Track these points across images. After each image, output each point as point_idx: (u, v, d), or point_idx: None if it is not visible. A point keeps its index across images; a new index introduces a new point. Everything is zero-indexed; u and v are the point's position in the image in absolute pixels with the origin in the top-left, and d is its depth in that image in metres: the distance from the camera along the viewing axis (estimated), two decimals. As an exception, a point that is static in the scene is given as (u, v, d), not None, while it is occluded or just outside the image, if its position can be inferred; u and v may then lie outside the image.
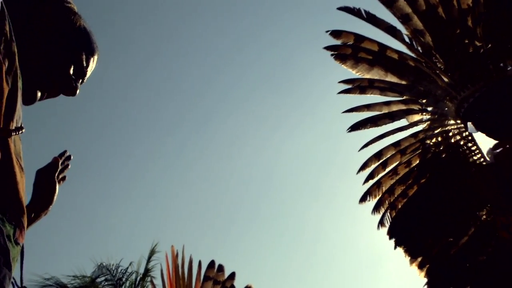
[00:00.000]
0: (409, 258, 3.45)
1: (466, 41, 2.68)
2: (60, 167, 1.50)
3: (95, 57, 1.41)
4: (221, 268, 3.79)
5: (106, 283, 11.80)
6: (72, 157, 1.58)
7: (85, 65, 1.37)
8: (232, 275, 3.79)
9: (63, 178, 1.55)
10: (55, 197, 1.47)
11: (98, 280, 11.73)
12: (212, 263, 3.78)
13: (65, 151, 1.56)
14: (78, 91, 1.38)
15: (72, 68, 1.34)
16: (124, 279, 11.72)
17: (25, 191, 1.15)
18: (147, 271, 11.52)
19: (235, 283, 3.74)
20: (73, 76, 1.34)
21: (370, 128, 3.33)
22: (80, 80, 1.39)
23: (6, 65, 1.06)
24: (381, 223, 3.22)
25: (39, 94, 1.32)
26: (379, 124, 3.27)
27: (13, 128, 1.10)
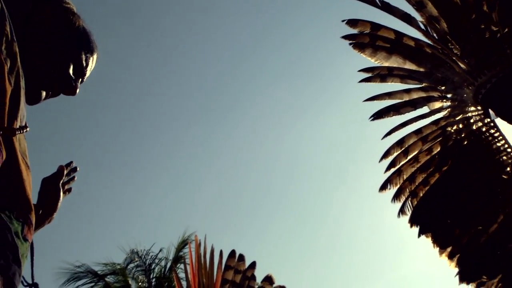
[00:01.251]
0: (438, 248, 3.43)
1: (482, 26, 2.64)
2: (65, 177, 1.50)
3: (95, 56, 1.42)
4: (242, 257, 3.83)
5: (136, 269, 11.84)
6: (78, 169, 1.58)
7: (84, 64, 1.38)
8: (253, 264, 3.83)
9: (69, 190, 1.56)
10: (59, 205, 1.47)
11: (129, 266, 11.78)
12: (232, 253, 3.82)
13: (71, 162, 1.56)
14: (77, 91, 1.38)
15: (71, 68, 1.34)
16: (153, 265, 11.69)
17: (32, 188, 1.16)
18: (178, 258, 11.52)
19: (256, 272, 3.82)
20: (72, 76, 1.35)
21: (393, 116, 3.35)
22: (80, 80, 1.39)
23: (8, 65, 1.07)
24: (401, 211, 3.22)
25: (43, 94, 1.33)
26: (402, 112, 3.27)
27: (17, 127, 1.11)
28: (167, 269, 11.80)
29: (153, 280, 11.70)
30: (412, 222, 3.27)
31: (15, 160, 1.09)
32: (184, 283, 4.05)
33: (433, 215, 3.36)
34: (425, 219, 3.32)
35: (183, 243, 11.67)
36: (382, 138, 3.45)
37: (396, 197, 3.20)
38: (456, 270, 3.43)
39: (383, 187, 3.22)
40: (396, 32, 2.87)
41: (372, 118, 3.39)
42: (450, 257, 3.43)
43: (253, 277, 3.87)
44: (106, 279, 11.68)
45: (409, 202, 3.22)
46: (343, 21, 2.89)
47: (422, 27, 2.77)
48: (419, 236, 3.39)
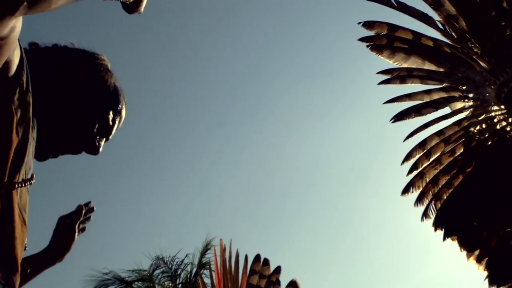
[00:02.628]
0: (465, 251, 3.32)
1: (503, 24, 2.55)
2: (82, 217, 1.45)
3: (122, 116, 1.35)
4: (266, 262, 3.73)
5: (163, 275, 11.73)
6: (95, 209, 1.53)
7: (110, 124, 1.31)
8: (278, 269, 3.74)
9: (83, 229, 1.51)
10: (73, 246, 1.42)
11: (155, 273, 11.66)
12: (257, 257, 3.72)
13: (89, 202, 1.51)
14: (100, 150, 1.31)
15: (96, 127, 1.28)
16: (179, 271, 11.68)
17: (25, 243, 1.10)
18: (202, 264, 11.42)
19: (281, 277, 3.70)
20: (97, 135, 1.28)
21: (414, 118, 3.26)
22: (104, 139, 1.33)
23: (18, 115, 1.01)
24: (425, 214, 3.12)
25: (63, 150, 1.26)
26: (423, 113, 3.19)
27: (19, 180, 1.04)
28: (192, 274, 11.74)
29: (179, 285, 11.70)
30: (437, 225, 3.16)
31: (11, 216, 1.02)
32: None
33: (458, 218, 3.25)
34: (450, 222, 3.21)
35: (207, 248, 11.57)
36: (404, 140, 3.37)
37: (419, 200, 3.11)
38: (485, 273, 3.32)
39: (406, 191, 3.14)
40: (414, 33, 2.80)
41: (393, 120, 3.32)
42: (478, 260, 3.31)
43: (278, 282, 3.75)
44: (133, 285, 11.74)
45: (433, 205, 3.12)
46: (359, 23, 2.84)
47: (440, 26, 2.70)
48: (444, 239, 3.29)
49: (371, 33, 2.88)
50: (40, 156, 1.26)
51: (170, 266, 11.73)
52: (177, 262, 11.76)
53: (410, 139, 3.32)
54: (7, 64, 0.96)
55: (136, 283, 11.82)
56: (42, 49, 1.28)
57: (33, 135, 1.12)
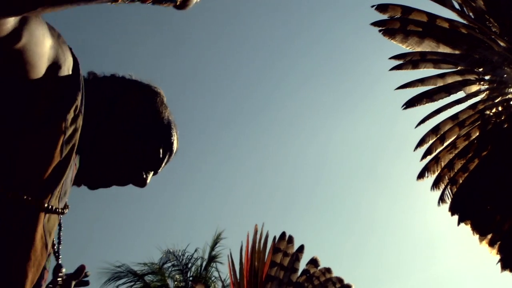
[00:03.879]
0: (478, 235, 3.24)
1: (522, 1, 2.46)
2: (80, 278, 1.37)
3: (173, 151, 1.32)
4: (291, 239, 3.74)
5: (173, 268, 12.10)
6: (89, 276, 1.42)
7: (160, 158, 1.28)
8: (301, 248, 3.73)
9: None
10: None
11: (166, 266, 11.93)
12: (283, 235, 3.73)
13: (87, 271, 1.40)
14: (148, 183, 1.27)
15: (147, 160, 1.25)
16: (190, 265, 12.00)
17: (43, 269, 1.02)
18: (212, 257, 11.71)
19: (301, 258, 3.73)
20: (146, 168, 1.26)
21: (426, 104, 3.17)
22: (152, 173, 1.30)
23: (67, 135, 0.97)
24: (441, 199, 3.04)
25: (107, 181, 1.23)
26: (435, 99, 3.09)
27: (51, 203, 0.99)
28: (203, 268, 11.93)
29: (190, 279, 11.80)
30: (453, 210, 3.08)
31: (31, 236, 0.95)
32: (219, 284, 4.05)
33: (472, 202, 3.18)
34: (465, 206, 3.13)
35: (216, 242, 11.89)
36: (416, 127, 3.27)
37: (435, 184, 3.02)
38: (497, 257, 3.25)
39: (421, 175, 3.05)
40: (429, 14, 2.69)
41: (404, 106, 3.21)
42: (491, 244, 3.23)
43: (297, 258, 3.75)
44: (145, 278, 11.87)
45: (449, 189, 3.04)
46: (372, 6, 2.73)
47: (457, 7, 2.60)
48: (458, 224, 3.20)
49: (384, 17, 2.78)
50: (90, 185, 1.23)
51: (180, 260, 12.06)
52: (187, 256, 12.14)
53: (422, 125, 3.25)
54: (56, 68, 0.92)
55: (147, 276, 12.02)
56: (99, 79, 1.26)
57: (75, 161, 1.07)
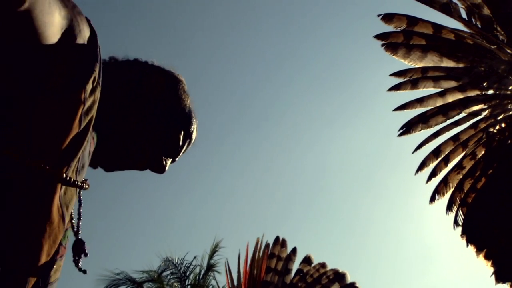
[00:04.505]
0: (475, 249, 3.06)
1: (529, 8, 2.48)
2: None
3: (192, 140, 1.30)
4: (284, 243, 3.70)
5: (171, 276, 12.07)
6: None
7: (180, 145, 1.25)
8: (294, 250, 3.69)
9: None
10: None
11: (164, 274, 11.93)
12: (277, 239, 3.72)
13: None
14: (166, 170, 1.25)
15: (166, 146, 1.22)
16: (188, 273, 11.97)
17: (59, 244, 0.98)
18: (210, 266, 11.69)
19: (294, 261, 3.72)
20: (165, 154, 1.23)
21: (422, 131, 3.06)
22: (171, 159, 1.27)
23: (86, 106, 0.95)
24: (456, 222, 2.84)
25: (124, 163, 1.19)
26: (431, 124, 3.00)
27: (68, 174, 0.95)
28: (201, 276, 11.82)
29: (188, 287, 11.58)
30: (463, 232, 2.89)
31: (48, 207, 0.91)
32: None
33: (477, 221, 3.01)
34: (471, 227, 2.95)
35: (215, 250, 11.81)
36: (413, 152, 3.14)
37: (448, 208, 2.85)
38: (492, 270, 3.07)
39: (432, 199, 2.86)
40: (435, 25, 2.65)
41: (399, 134, 3.10)
42: (487, 257, 3.06)
43: (290, 259, 3.71)
44: (143, 286, 11.58)
45: (460, 212, 2.85)
46: (378, 15, 2.65)
47: (464, 16, 2.57)
48: (467, 245, 3.00)
49: (389, 27, 2.70)
50: (107, 167, 1.19)
51: (179, 268, 11.98)
52: (185, 264, 12.12)
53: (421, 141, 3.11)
54: (71, 38, 0.91)
55: (146, 283, 11.70)
56: (121, 61, 1.25)
57: (93, 135, 1.06)
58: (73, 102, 0.93)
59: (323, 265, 3.69)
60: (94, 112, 0.99)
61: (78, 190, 1.06)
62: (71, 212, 1.05)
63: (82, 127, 0.95)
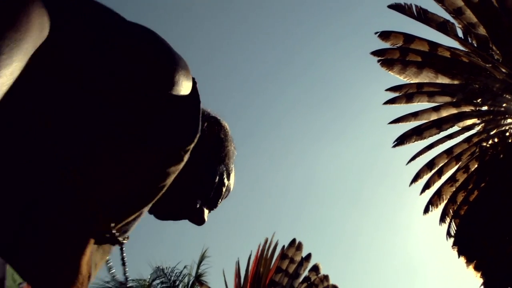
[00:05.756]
0: (465, 260, 3.10)
1: (524, 29, 2.48)
2: None
3: (231, 189, 1.21)
4: (299, 247, 3.72)
5: (162, 285, 11.96)
6: None
7: (222, 197, 1.17)
8: (308, 257, 3.72)
9: None
10: None
11: (155, 283, 11.89)
12: (292, 242, 3.73)
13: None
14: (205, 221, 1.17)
15: (211, 196, 1.13)
16: (177, 282, 11.84)
17: None
18: (199, 275, 11.62)
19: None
20: (207, 205, 1.14)
21: (415, 142, 3.07)
22: (209, 210, 1.18)
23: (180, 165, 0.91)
24: (448, 234, 2.87)
25: (175, 214, 1.12)
26: (425, 136, 3.00)
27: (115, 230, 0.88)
28: (189, 285, 11.87)
29: None
30: (454, 243, 2.92)
31: (79, 259, 0.83)
32: None
33: (470, 234, 3.04)
34: (463, 239, 2.99)
35: (202, 259, 11.79)
36: (407, 164, 3.14)
37: (442, 219, 2.87)
38: (481, 281, 3.13)
39: (426, 210, 2.88)
40: (430, 43, 2.64)
41: (394, 145, 3.10)
42: (477, 268, 3.11)
43: (302, 265, 3.76)
44: None
45: (453, 223, 2.88)
46: (376, 33, 2.63)
47: (460, 35, 2.57)
48: (459, 257, 3.04)
49: (386, 44, 2.69)
50: (160, 216, 1.12)
51: (169, 277, 11.90)
52: (176, 273, 12.05)
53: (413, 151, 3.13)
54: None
55: None
56: None
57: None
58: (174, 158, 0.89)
59: (326, 277, 3.75)
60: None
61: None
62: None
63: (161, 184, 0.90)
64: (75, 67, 0.75)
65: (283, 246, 3.68)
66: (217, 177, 1.14)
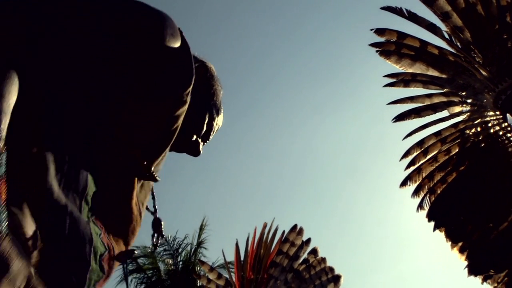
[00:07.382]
0: (450, 242, 3.42)
1: (505, 36, 2.63)
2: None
3: (220, 124, 1.31)
4: (300, 231, 3.96)
5: (164, 253, 12.22)
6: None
7: (213, 130, 1.27)
8: (308, 241, 3.95)
9: None
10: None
11: (157, 250, 11.93)
12: (294, 227, 3.97)
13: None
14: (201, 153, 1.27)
15: (203, 131, 1.23)
16: (180, 250, 12.14)
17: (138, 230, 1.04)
18: (199, 243, 11.98)
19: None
20: (201, 139, 1.25)
21: (414, 119, 3.34)
22: (203, 143, 1.28)
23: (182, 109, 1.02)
24: (420, 206, 3.22)
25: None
26: (422, 115, 3.26)
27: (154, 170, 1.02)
28: (191, 253, 12.09)
29: (180, 263, 11.88)
30: (429, 217, 3.26)
31: (129, 201, 0.99)
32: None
33: (448, 211, 3.35)
34: (440, 215, 3.31)
35: (202, 229, 12.14)
36: (403, 139, 3.45)
37: (415, 193, 3.20)
38: (465, 263, 3.42)
39: (404, 184, 3.22)
40: (421, 41, 2.86)
41: (394, 120, 3.40)
42: (461, 251, 3.41)
43: (302, 248, 4.01)
44: (138, 261, 11.91)
45: (427, 198, 3.22)
46: (371, 30, 2.89)
47: (447, 36, 2.76)
48: (434, 230, 3.38)
49: (381, 39, 2.94)
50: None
51: (171, 245, 12.14)
52: (178, 241, 12.25)
53: (408, 137, 3.42)
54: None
55: (140, 259, 12.00)
56: None
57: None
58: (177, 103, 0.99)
59: (323, 259, 4.00)
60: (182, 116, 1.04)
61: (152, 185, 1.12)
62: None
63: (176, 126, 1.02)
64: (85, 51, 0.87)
65: (283, 232, 3.91)
66: (208, 113, 1.23)
